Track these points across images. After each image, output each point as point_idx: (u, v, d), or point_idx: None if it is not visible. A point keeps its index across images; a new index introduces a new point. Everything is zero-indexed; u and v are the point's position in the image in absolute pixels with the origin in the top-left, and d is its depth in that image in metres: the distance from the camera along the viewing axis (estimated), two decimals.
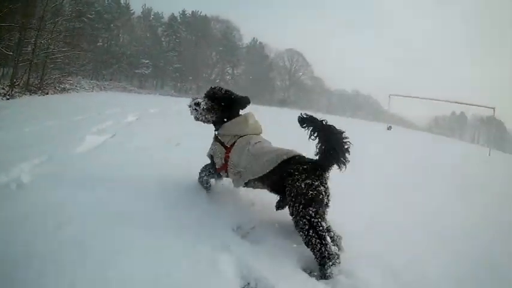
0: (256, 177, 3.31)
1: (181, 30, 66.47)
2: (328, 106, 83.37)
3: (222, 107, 3.75)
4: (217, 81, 69.20)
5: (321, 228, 2.77)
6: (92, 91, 39.80)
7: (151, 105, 18.88)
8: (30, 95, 22.88)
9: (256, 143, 3.51)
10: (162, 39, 66.61)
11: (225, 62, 72.04)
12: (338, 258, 2.72)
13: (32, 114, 10.86)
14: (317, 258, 2.71)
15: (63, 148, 5.56)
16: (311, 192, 2.85)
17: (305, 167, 3.00)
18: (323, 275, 2.67)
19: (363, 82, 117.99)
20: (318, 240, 2.72)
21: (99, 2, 56.57)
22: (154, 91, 55.70)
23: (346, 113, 79.98)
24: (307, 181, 2.89)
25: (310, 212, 2.81)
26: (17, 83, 22.31)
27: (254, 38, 75.88)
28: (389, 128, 29.71)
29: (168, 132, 8.78)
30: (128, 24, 60.46)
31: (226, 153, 3.57)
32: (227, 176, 3.73)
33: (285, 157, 3.16)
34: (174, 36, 66.05)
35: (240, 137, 3.60)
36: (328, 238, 2.86)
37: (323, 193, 2.92)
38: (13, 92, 20.92)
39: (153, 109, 16.93)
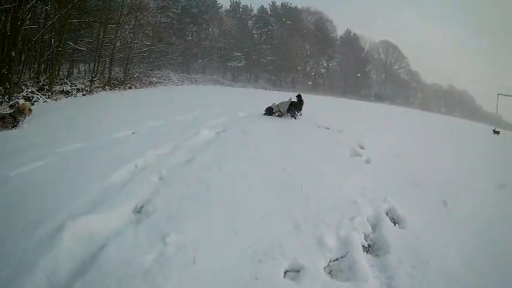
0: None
1: (272, 22, 64.54)
2: (423, 102, 77.09)
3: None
4: (312, 74, 67.22)
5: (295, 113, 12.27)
6: (182, 84, 39.96)
7: None
8: (110, 89, 22.87)
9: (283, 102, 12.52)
10: (254, 31, 65.20)
11: (320, 55, 68.06)
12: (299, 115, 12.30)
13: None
14: (292, 116, 12.22)
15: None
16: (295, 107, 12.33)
17: (294, 103, 12.43)
18: (294, 118, 12.22)
19: (458, 76, 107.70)
20: (293, 114, 12.21)
21: None
22: (247, 84, 55.12)
23: (441, 110, 74.36)
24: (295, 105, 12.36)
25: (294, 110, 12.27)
26: (96, 78, 22.27)
27: (348, 29, 71.66)
28: (496, 132, 24.59)
29: None
30: (217, 18, 60.00)
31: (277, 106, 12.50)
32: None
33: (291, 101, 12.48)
34: (265, 29, 64.34)
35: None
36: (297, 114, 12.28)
37: (297, 107, 12.32)
38: (92, 88, 20.89)
39: None
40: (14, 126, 8.65)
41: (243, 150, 6.65)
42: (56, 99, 16.60)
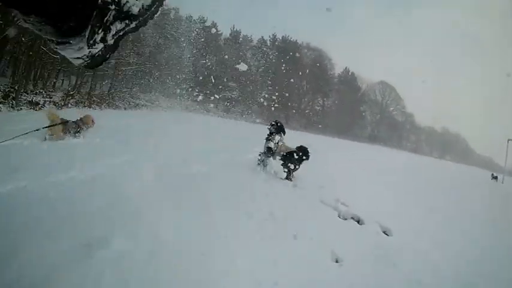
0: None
1: (271, 55, 64.04)
2: (417, 145, 77.75)
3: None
4: (307, 111, 66.54)
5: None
6: (171, 110, 38.52)
7: None
8: (85, 106, 21.17)
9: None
10: (251, 63, 64.13)
11: (316, 92, 68.15)
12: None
13: None
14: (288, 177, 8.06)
15: None
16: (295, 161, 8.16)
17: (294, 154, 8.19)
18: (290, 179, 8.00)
19: (452, 118, 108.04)
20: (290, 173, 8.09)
21: (183, 22, 56.48)
22: (239, 117, 53.92)
23: (433, 153, 74.34)
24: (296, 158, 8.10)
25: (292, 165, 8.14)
26: (72, 92, 20.71)
27: (346, 67, 72.04)
28: (494, 177, 24.21)
29: None
30: (215, 45, 59.33)
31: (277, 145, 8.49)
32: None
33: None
34: (263, 61, 63.87)
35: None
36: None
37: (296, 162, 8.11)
38: (66, 102, 19.38)
39: None
40: (76, 133, 8.80)
41: None
42: (17, 110, 14.98)
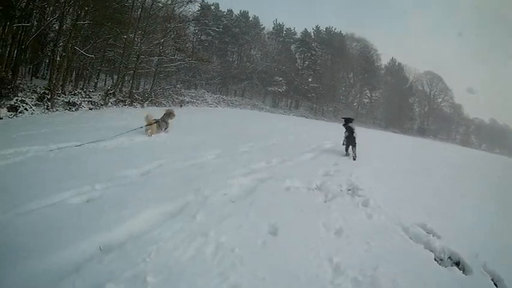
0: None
1: (316, 47, 61.20)
2: (466, 137, 73.40)
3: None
4: (355, 104, 64.34)
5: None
6: (217, 106, 37.52)
7: None
8: (125, 105, 20.32)
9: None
10: (296, 56, 62.83)
11: (363, 84, 65.29)
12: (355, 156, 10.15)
13: None
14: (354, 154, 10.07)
15: None
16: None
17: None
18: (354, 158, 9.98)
19: (500, 108, 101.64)
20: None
21: (227, 16, 55.51)
22: (287, 111, 52.65)
23: (481, 146, 70.99)
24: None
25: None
26: (111, 91, 19.97)
27: (393, 58, 68.70)
28: None
29: None
30: (259, 40, 58.02)
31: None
32: None
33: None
34: (308, 54, 61.36)
35: None
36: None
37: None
38: (106, 101, 18.67)
39: None
40: (165, 129, 10.23)
41: None
42: (53, 111, 14.31)
